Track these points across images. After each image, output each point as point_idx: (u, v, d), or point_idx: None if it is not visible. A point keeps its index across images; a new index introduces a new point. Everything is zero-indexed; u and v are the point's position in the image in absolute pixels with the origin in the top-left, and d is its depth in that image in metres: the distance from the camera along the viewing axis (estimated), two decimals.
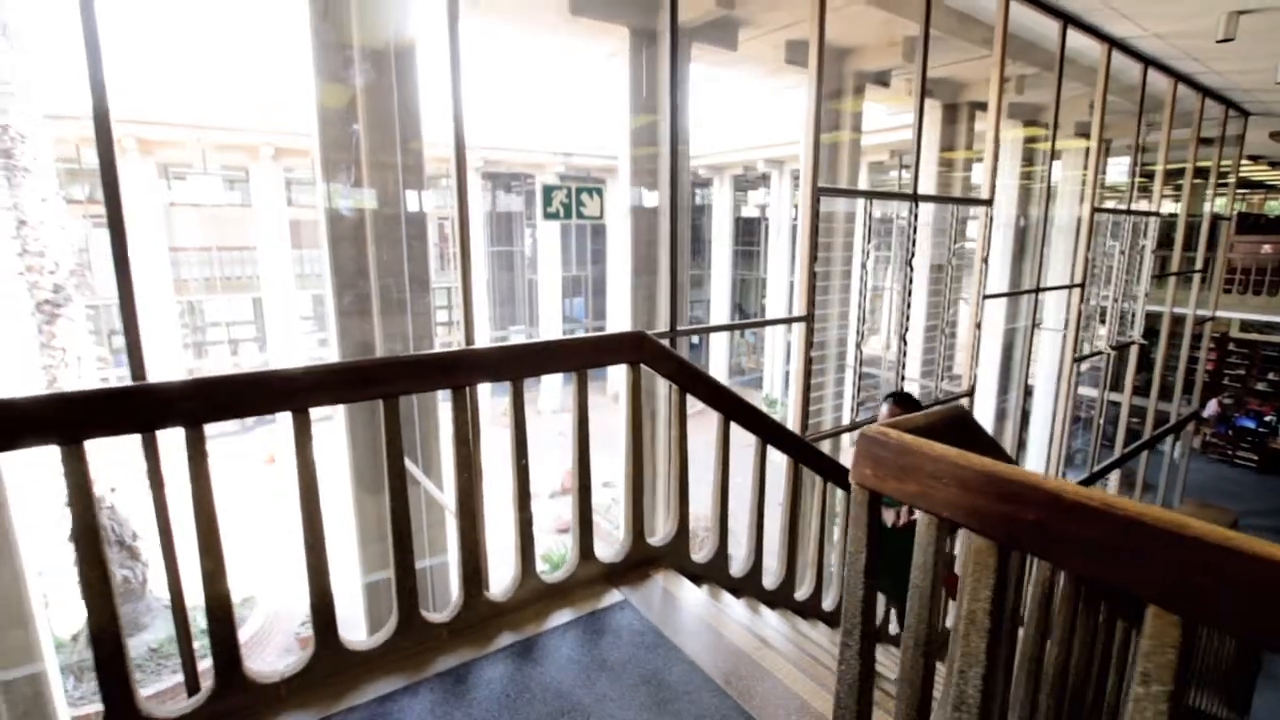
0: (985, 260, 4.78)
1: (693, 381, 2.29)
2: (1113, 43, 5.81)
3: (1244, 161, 15.75)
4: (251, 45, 14.59)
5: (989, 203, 4.68)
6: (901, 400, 2.71)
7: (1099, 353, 6.96)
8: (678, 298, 3.11)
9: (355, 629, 2.11)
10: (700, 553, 2.50)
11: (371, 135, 4.05)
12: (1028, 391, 8.33)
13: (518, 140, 15.20)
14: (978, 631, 0.99)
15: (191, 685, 2.00)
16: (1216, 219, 9.71)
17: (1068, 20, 5.23)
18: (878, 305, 10.52)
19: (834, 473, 2.75)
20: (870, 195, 4.55)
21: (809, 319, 3.58)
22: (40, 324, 5.44)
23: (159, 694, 6.11)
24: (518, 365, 2.05)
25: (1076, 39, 5.63)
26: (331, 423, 4.53)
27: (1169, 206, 10.42)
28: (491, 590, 2.09)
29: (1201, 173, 9.05)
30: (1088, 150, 6.43)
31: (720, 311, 18.78)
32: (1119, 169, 10.05)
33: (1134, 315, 7.40)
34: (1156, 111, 7.47)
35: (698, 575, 2.45)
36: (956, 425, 1.31)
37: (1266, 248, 14.88)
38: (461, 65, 2.56)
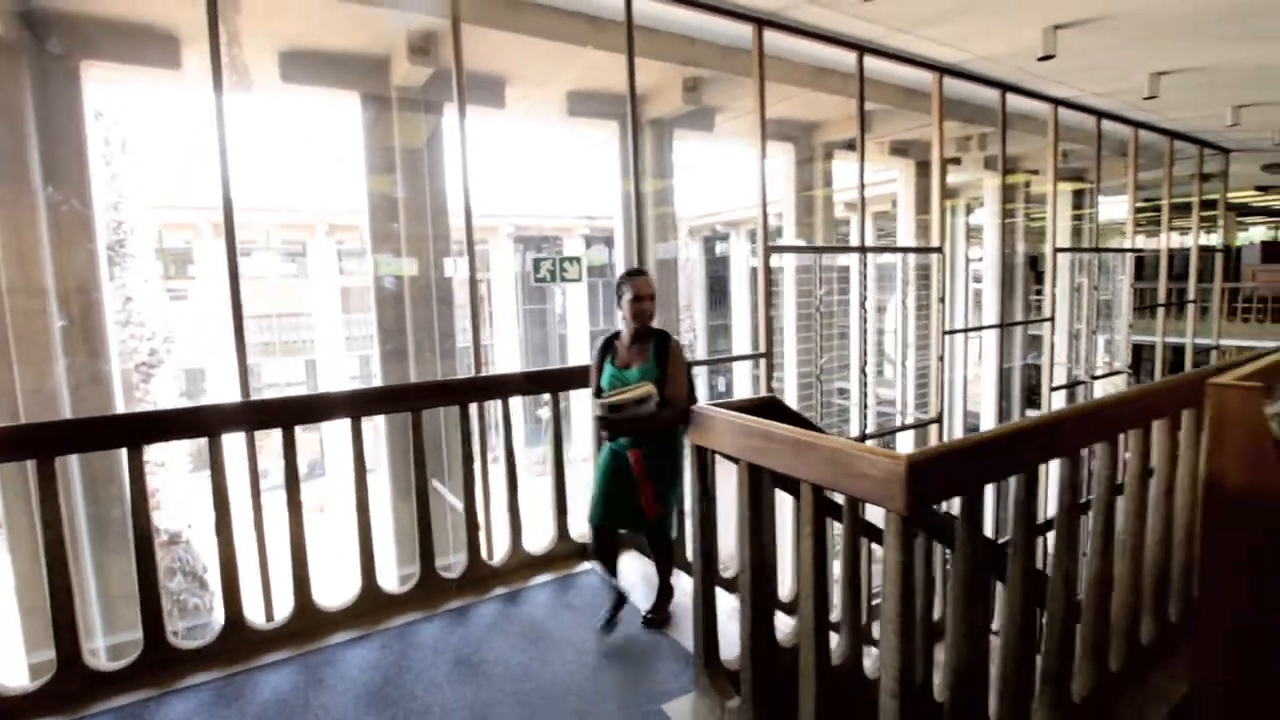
0: (942, 300, 5.38)
1: None
2: (1057, 102, 6.50)
3: (1256, 192, 15.90)
4: (312, 141, 16.38)
5: (939, 250, 5.33)
6: (770, 404, 3.31)
7: (1080, 382, 7.36)
8: None
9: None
10: None
11: (408, 215, 5.00)
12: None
13: (547, 208, 16.53)
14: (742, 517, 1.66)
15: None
16: (1207, 251, 10.03)
17: (1005, 88, 5.96)
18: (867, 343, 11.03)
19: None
20: (820, 250, 5.27)
21: (768, 355, 4.27)
22: (138, 381, 6.50)
23: None
24: (508, 388, 2.81)
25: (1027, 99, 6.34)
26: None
27: (1171, 240, 10.76)
28: (491, 559, 2.79)
29: (1184, 208, 9.49)
30: (1050, 194, 7.03)
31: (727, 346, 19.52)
32: (1109, 208, 10.53)
33: (1119, 345, 7.79)
34: (1142, 153, 8.04)
35: None
36: (769, 405, 1.99)
37: None
38: (469, 159, 3.39)
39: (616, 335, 2.36)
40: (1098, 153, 7.22)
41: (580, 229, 16.54)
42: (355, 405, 2.48)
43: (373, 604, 2.49)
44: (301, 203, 14.21)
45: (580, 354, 17.57)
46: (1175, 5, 4.19)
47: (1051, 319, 6.56)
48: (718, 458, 1.79)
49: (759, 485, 1.62)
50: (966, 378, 9.72)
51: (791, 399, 7.29)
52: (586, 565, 2.86)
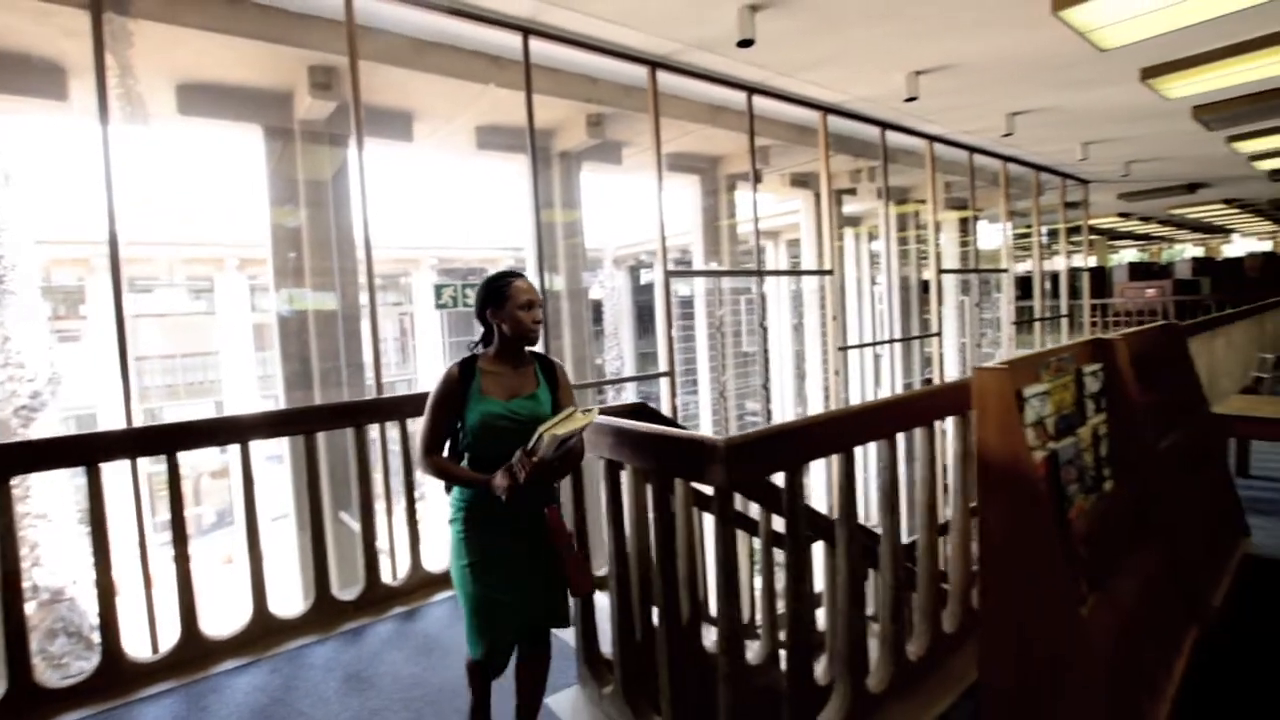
0: (835, 318, 5.80)
1: None
2: (932, 138, 7.17)
3: (1119, 218, 17.66)
4: (219, 173, 15.83)
5: (830, 273, 5.77)
6: (638, 408, 3.47)
7: None
8: None
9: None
10: None
11: (314, 248, 4.99)
12: None
13: (472, 240, 16.53)
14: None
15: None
16: (1079, 271, 11.13)
17: (884, 126, 6.55)
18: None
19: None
20: (717, 274, 5.61)
21: (671, 374, 4.49)
22: (17, 426, 6.06)
23: None
24: (403, 408, 2.88)
25: (906, 136, 6.96)
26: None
27: (1053, 263, 11.85)
28: (389, 579, 2.82)
29: (1057, 234, 10.54)
30: (932, 222, 7.70)
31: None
32: (993, 234, 11.54)
33: (1002, 357, 8.50)
34: (1011, 185, 8.90)
35: None
36: (638, 410, 2.17)
37: (1150, 291, 16.62)
38: (368, 191, 3.48)
39: (471, 362, 1.73)
40: (971, 184, 7.97)
41: (506, 260, 16.59)
42: (243, 430, 2.49)
43: (264, 630, 2.47)
44: (209, 236, 13.65)
45: None
46: (1012, 55, 4.79)
47: (939, 334, 7.14)
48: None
49: (616, 479, 1.78)
50: (876, 391, 10.31)
51: (705, 417, 7.58)
52: None
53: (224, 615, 2.52)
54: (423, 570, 2.87)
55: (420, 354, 16.55)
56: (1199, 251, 27.87)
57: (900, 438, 1.85)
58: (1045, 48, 4.57)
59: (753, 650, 2.13)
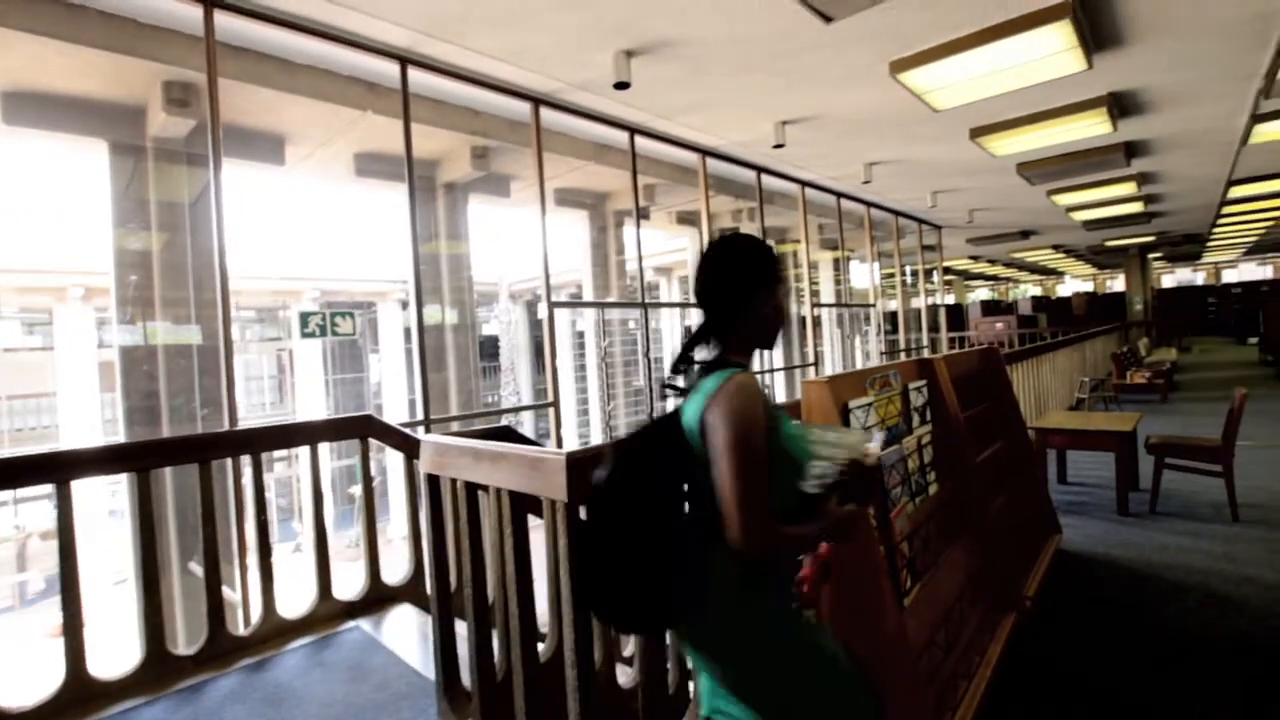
0: None
1: (410, 446, 3.03)
2: (803, 183, 7.77)
3: (971, 260, 19.70)
4: (62, 194, 14.30)
5: None
6: (502, 431, 3.47)
7: None
8: (429, 395, 3.90)
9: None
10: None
11: (167, 276, 4.61)
12: None
13: (358, 271, 15.82)
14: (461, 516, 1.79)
15: None
16: (938, 307, 12.31)
17: (759, 170, 7.03)
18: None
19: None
20: (602, 305, 5.75)
21: (555, 405, 4.50)
22: None
23: None
24: (260, 442, 2.70)
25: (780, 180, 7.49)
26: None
27: (918, 299, 13.03)
28: (236, 628, 2.59)
29: (916, 272, 11.63)
30: (805, 260, 8.28)
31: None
32: (864, 273, 12.57)
33: None
34: (875, 228, 9.75)
35: None
36: (501, 433, 2.18)
37: (999, 325, 18.66)
38: (225, 215, 3.30)
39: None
40: (840, 226, 8.67)
41: (396, 294, 16.00)
42: (63, 467, 2.24)
43: (80, 695, 2.19)
44: (49, 262, 12.21)
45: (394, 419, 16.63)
46: (867, 111, 5.33)
47: (816, 364, 7.63)
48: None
49: (474, 501, 1.77)
50: None
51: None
52: (350, 623, 2.76)
53: (34, 688, 2.21)
54: (276, 617, 2.66)
55: (299, 392, 15.49)
56: (1038, 291, 31.65)
57: None
58: (893, 106, 5.12)
59: (626, 675, 2.15)
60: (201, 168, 4.89)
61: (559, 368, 4.63)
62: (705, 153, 6.19)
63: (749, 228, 9.47)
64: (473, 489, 1.78)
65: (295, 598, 2.79)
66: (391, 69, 4.01)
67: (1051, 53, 3.93)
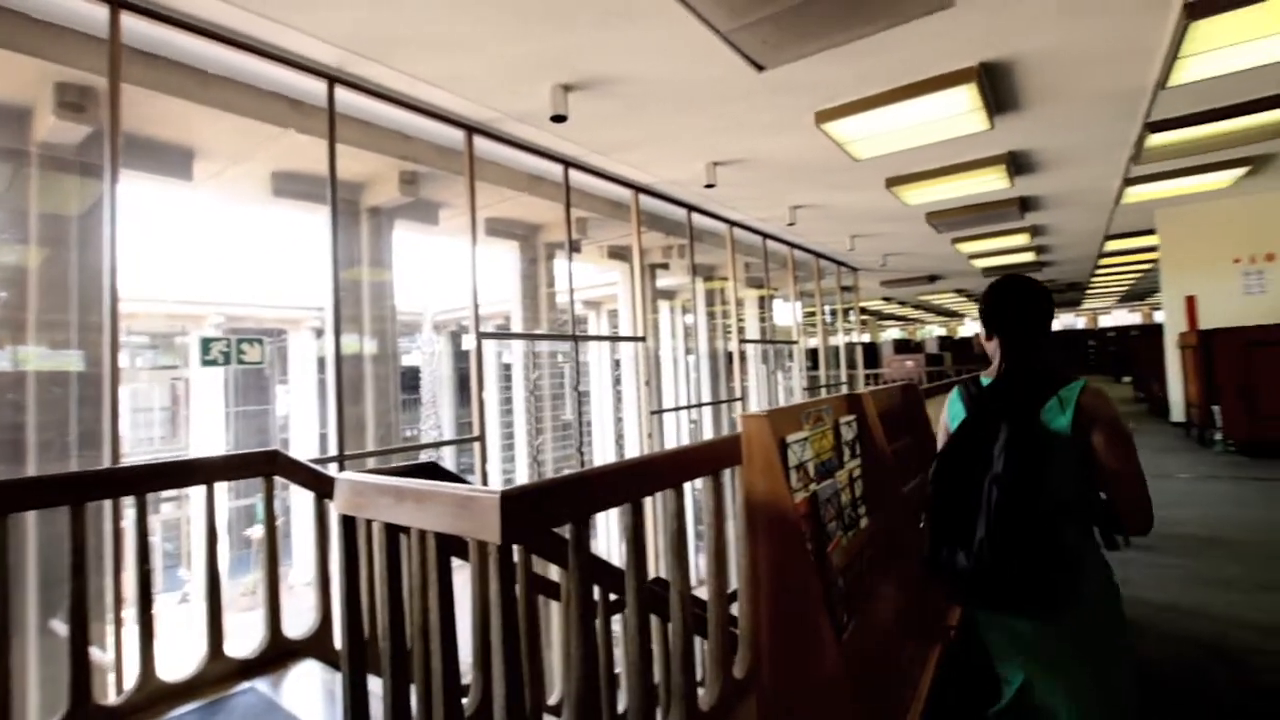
0: (648, 383, 6.08)
1: (322, 484, 2.81)
2: (731, 223, 8.01)
3: (884, 301, 20.83)
4: None
5: (643, 339, 6.08)
6: (427, 467, 3.32)
7: None
8: (344, 429, 3.66)
9: None
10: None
11: (47, 296, 4.16)
12: None
13: (268, 297, 14.95)
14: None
15: None
16: (851, 345, 12.91)
17: (690, 208, 7.19)
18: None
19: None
20: (531, 337, 5.66)
21: (482, 439, 4.33)
22: None
23: None
24: (151, 481, 2.42)
25: (710, 219, 7.69)
26: None
27: (837, 337, 13.59)
28: (105, 696, 2.27)
29: (835, 311, 12.17)
30: (733, 298, 8.50)
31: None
32: (787, 311, 13.05)
33: None
34: (798, 269, 10.14)
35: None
36: (426, 469, 2.04)
37: (910, 363, 19.78)
38: (119, 230, 3.02)
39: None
40: (765, 266, 8.98)
41: (310, 321, 15.20)
42: None
43: None
44: None
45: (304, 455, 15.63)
46: (794, 157, 5.57)
47: (743, 399, 7.76)
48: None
49: (395, 544, 1.63)
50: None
51: (522, 481, 7.38)
52: (245, 684, 2.48)
53: None
54: (156, 681, 2.35)
55: (196, 426, 14.31)
56: (943, 331, 33.86)
57: (690, 487, 1.93)
58: (818, 153, 5.39)
59: None
60: (95, 178, 4.48)
61: (485, 400, 4.48)
62: (639, 189, 6.27)
63: (679, 265, 9.65)
64: (394, 531, 1.64)
65: (180, 657, 2.48)
66: (318, 87, 3.86)
67: (960, 112, 4.25)
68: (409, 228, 6.25)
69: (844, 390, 11.68)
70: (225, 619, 2.56)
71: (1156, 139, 5.24)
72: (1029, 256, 11.40)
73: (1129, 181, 6.84)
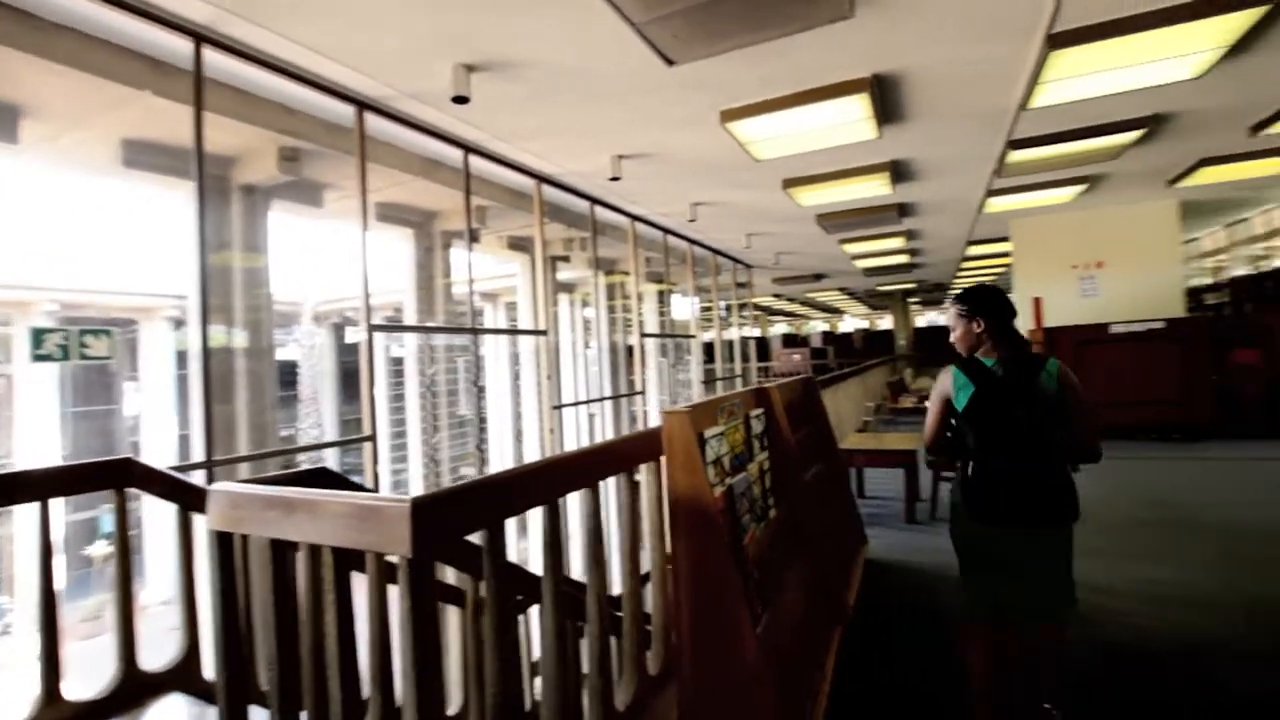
0: (549, 378, 5.97)
1: (186, 495, 2.50)
2: (634, 217, 8.03)
3: (774, 298, 21.79)
4: None
5: (544, 333, 5.96)
6: (318, 474, 3.13)
7: None
8: (212, 432, 3.28)
9: None
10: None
11: None
12: None
13: (115, 282, 13.25)
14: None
15: None
16: (745, 339, 13.41)
17: (593, 201, 7.13)
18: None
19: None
20: (428, 330, 5.41)
21: (373, 438, 4.06)
22: None
23: None
24: None
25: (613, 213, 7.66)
26: None
27: (730, 332, 14.03)
28: None
29: (730, 307, 12.57)
30: (635, 292, 8.54)
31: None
32: (685, 306, 13.33)
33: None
34: (697, 265, 10.33)
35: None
36: (318, 475, 1.87)
37: (796, 356, 20.85)
38: None
39: None
40: (665, 261, 9.09)
41: (166, 310, 13.64)
42: None
43: None
44: None
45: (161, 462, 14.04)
46: (698, 154, 5.64)
47: (643, 392, 7.83)
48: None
49: (283, 562, 1.46)
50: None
51: (417, 486, 7.04)
52: None
53: None
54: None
55: (21, 430, 12.42)
56: (826, 327, 36.03)
57: (604, 485, 1.89)
58: (721, 152, 5.49)
59: None
60: None
61: (375, 397, 4.18)
62: (542, 179, 6.12)
63: (580, 258, 9.56)
64: (281, 547, 1.47)
65: (4, 703, 2.12)
66: (183, 46, 3.41)
67: (852, 120, 4.49)
68: (289, 209, 5.73)
69: (739, 383, 12.11)
70: (63, 653, 2.21)
71: (1016, 155, 5.81)
72: (904, 258, 12.33)
73: (991, 193, 7.56)
